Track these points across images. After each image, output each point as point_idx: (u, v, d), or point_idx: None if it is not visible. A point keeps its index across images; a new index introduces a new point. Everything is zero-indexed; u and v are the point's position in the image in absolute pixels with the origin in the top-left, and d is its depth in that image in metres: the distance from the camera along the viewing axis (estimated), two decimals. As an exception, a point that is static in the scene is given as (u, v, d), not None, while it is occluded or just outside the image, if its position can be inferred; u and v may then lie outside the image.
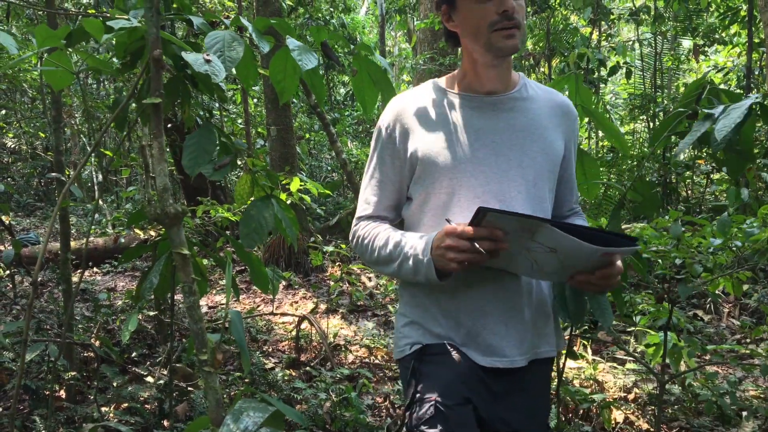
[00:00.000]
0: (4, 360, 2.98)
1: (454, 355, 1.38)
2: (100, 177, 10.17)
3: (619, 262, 1.31)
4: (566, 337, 2.34)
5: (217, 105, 7.09)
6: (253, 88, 8.76)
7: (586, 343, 3.72)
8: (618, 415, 2.97)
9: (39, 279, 5.19)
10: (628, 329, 4.02)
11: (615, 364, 3.60)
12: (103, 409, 2.80)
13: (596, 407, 2.96)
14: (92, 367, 3.35)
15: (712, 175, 7.07)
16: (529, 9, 7.26)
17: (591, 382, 3.31)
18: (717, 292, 3.97)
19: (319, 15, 9.88)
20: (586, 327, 3.90)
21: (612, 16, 8.01)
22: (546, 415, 1.52)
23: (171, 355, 2.47)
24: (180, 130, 5.75)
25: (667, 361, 2.63)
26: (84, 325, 3.82)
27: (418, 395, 1.36)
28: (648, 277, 2.46)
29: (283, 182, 4.37)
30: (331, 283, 5.64)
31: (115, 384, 3.02)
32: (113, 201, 10.06)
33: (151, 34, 1.35)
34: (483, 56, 1.40)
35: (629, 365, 3.58)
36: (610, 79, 8.72)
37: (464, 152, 1.39)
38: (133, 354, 3.63)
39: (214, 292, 5.37)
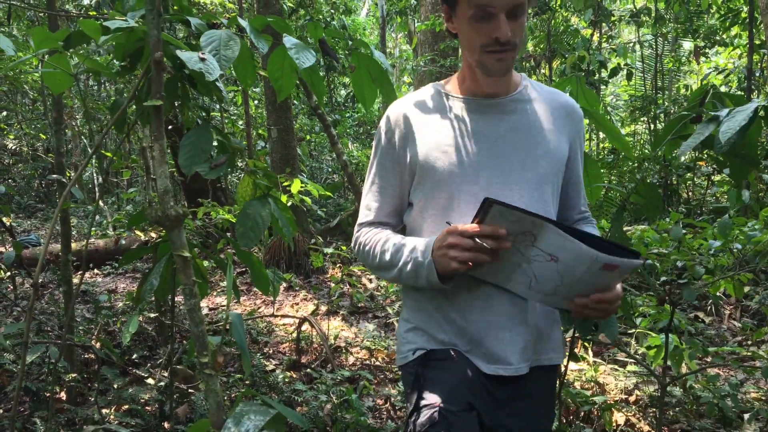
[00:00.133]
0: (4, 362, 2.98)
1: (458, 361, 1.37)
2: (101, 178, 10.18)
3: (618, 287, 1.29)
4: (567, 339, 2.34)
5: (217, 106, 7.10)
6: (254, 89, 8.77)
7: (587, 345, 3.71)
8: (619, 417, 2.96)
9: (40, 280, 5.19)
10: (629, 331, 4.01)
11: (616, 366, 3.59)
12: (104, 411, 2.80)
13: (597, 409, 2.96)
14: (93, 369, 3.35)
15: (713, 177, 7.07)
16: (530, 11, 7.26)
17: (592, 384, 3.31)
18: (718, 293, 3.96)
19: (320, 17, 9.89)
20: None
21: (613, 18, 8.02)
22: (550, 422, 1.50)
23: (172, 356, 2.47)
24: (180, 131, 5.75)
25: (669, 363, 2.62)
26: (85, 326, 3.81)
27: (422, 401, 1.35)
28: (650, 279, 2.46)
29: (284, 184, 4.37)
30: (332, 284, 5.64)
31: (115, 386, 3.02)
32: (114, 202, 10.07)
33: (152, 36, 1.34)
34: (477, 67, 1.39)
35: (630, 367, 3.57)
36: (610, 80, 8.73)
37: (464, 157, 1.37)
38: (134, 356, 3.63)
39: (214, 293, 5.36)
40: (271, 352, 4.07)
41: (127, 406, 2.89)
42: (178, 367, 3.20)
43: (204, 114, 1.85)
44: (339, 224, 7.53)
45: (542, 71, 8.86)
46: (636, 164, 7.76)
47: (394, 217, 1.52)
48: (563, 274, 1.23)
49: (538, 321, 1.40)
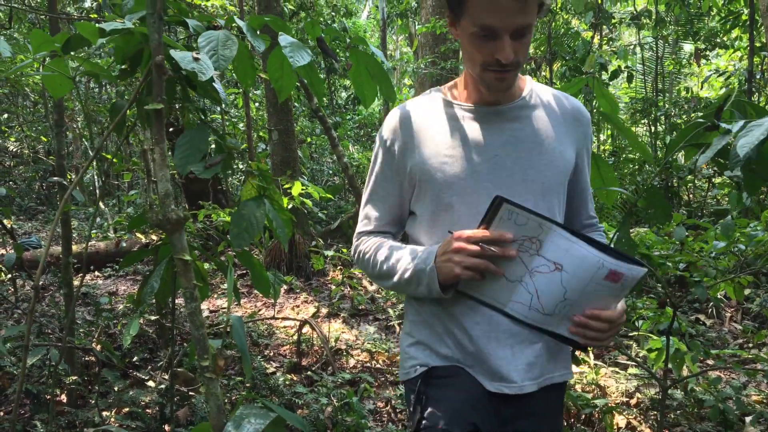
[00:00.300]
0: (5, 364, 2.98)
1: (462, 378, 1.33)
2: (102, 181, 10.18)
3: (621, 303, 1.26)
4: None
5: (218, 109, 7.10)
6: (255, 92, 8.78)
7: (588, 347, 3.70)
8: (620, 420, 2.96)
9: (40, 283, 5.19)
10: (630, 334, 4.01)
11: (617, 369, 3.58)
12: (104, 413, 2.79)
13: (598, 412, 2.95)
14: (93, 372, 3.34)
15: (713, 179, 7.08)
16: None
17: (593, 387, 3.30)
18: (719, 296, 3.96)
19: (321, 19, 9.91)
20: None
21: (613, 20, 8.02)
22: None
23: (172, 359, 2.47)
24: (181, 134, 5.74)
25: (670, 366, 2.62)
26: (85, 329, 3.81)
27: (424, 422, 1.31)
28: (651, 281, 2.46)
29: (285, 186, 4.38)
30: (333, 287, 5.64)
31: (116, 388, 3.01)
32: (115, 205, 10.08)
33: (153, 40, 1.34)
34: (478, 81, 1.34)
35: (631, 370, 3.57)
36: (611, 83, 8.73)
37: (465, 168, 1.33)
38: (135, 358, 3.63)
39: (215, 295, 5.36)
40: (271, 354, 4.07)
41: (127, 409, 2.89)
42: (178, 369, 3.19)
43: (201, 115, 1.84)
44: (340, 226, 7.53)
45: (543, 73, 8.87)
46: (636, 166, 7.77)
47: (395, 226, 1.49)
48: (567, 285, 1.20)
49: (545, 339, 1.35)
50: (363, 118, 11.41)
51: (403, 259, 1.35)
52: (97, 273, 6.14)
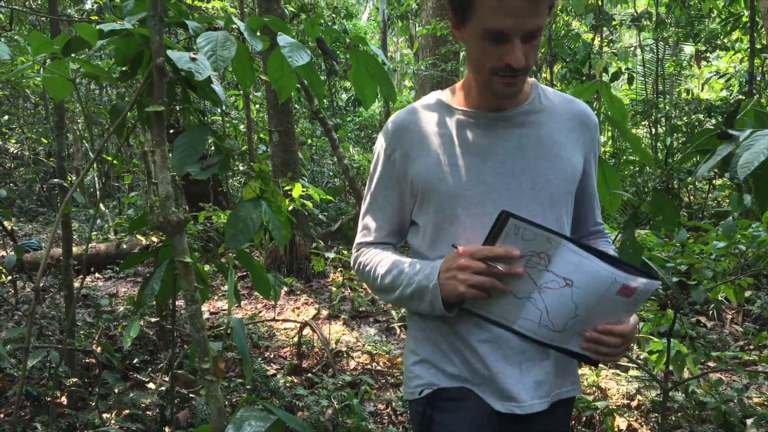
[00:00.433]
0: (5, 366, 2.98)
1: (470, 401, 1.28)
2: (102, 182, 10.19)
3: (634, 317, 1.22)
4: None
5: (219, 110, 7.11)
6: (256, 94, 8.79)
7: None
8: (621, 423, 2.96)
9: (41, 285, 5.18)
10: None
11: (618, 371, 3.58)
12: (105, 415, 2.79)
13: (599, 414, 2.95)
14: (94, 374, 3.34)
15: (714, 181, 7.08)
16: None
17: (594, 389, 3.30)
18: (720, 298, 3.96)
19: (321, 21, 9.92)
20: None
21: (614, 22, 8.03)
22: None
23: (172, 361, 2.47)
24: (182, 135, 5.74)
25: (671, 368, 2.62)
26: (86, 331, 3.81)
27: None
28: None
29: (286, 188, 4.38)
30: (333, 288, 5.64)
31: (116, 390, 3.01)
32: (115, 206, 10.08)
33: (154, 42, 1.34)
34: (483, 87, 1.28)
35: (632, 372, 3.57)
36: (612, 84, 8.73)
37: (469, 177, 1.27)
38: (135, 360, 3.63)
39: (215, 297, 5.36)
40: (272, 356, 4.07)
41: (127, 411, 2.89)
42: (179, 371, 3.19)
43: (201, 116, 1.84)
44: (340, 228, 7.53)
45: (543, 75, 8.87)
46: (637, 168, 7.77)
47: (395, 236, 1.44)
48: (578, 301, 1.16)
49: (554, 355, 1.31)
50: (363, 120, 11.42)
51: (405, 273, 1.30)
52: (97, 275, 6.14)
